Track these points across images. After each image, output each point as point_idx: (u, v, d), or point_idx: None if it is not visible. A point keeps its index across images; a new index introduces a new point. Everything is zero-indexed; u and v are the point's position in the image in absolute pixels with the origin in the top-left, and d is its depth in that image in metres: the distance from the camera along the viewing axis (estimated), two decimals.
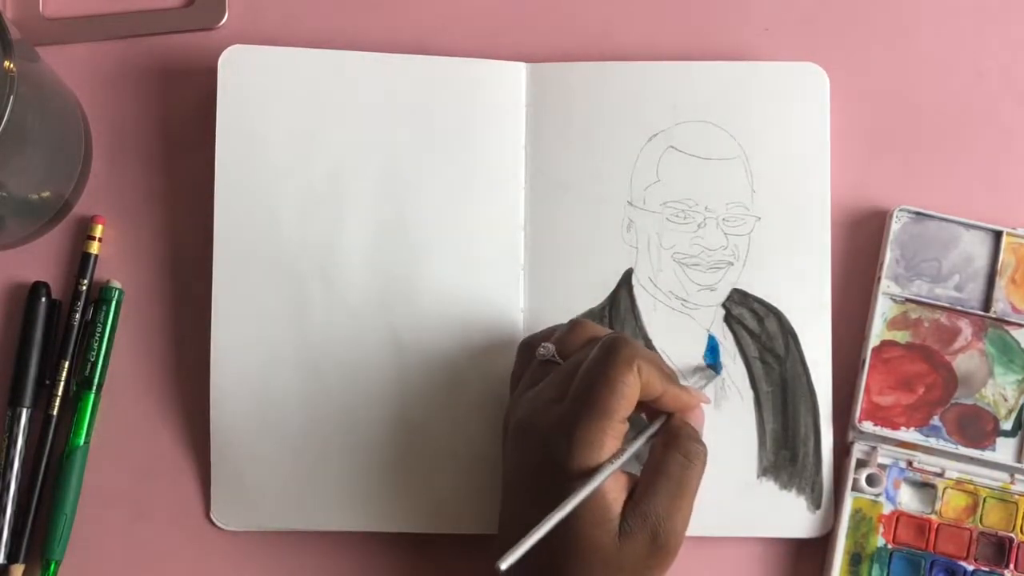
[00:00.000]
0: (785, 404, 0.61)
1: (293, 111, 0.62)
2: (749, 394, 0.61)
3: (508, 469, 0.56)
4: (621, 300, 0.62)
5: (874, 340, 0.61)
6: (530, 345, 0.58)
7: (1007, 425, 0.61)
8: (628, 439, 0.53)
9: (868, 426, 0.61)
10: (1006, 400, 0.61)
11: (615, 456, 0.51)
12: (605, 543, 0.51)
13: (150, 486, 0.62)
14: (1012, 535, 0.60)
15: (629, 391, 0.52)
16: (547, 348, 0.56)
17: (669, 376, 0.54)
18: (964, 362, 0.61)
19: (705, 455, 0.53)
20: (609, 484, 0.51)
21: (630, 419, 0.53)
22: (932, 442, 0.60)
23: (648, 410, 0.55)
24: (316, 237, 0.62)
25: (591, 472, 0.50)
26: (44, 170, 0.60)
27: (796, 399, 0.61)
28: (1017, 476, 0.60)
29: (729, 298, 0.62)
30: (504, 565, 0.47)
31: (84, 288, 0.63)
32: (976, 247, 0.62)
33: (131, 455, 0.62)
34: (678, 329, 0.62)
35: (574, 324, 0.57)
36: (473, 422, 0.61)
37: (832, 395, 0.61)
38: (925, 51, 0.65)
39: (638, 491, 0.52)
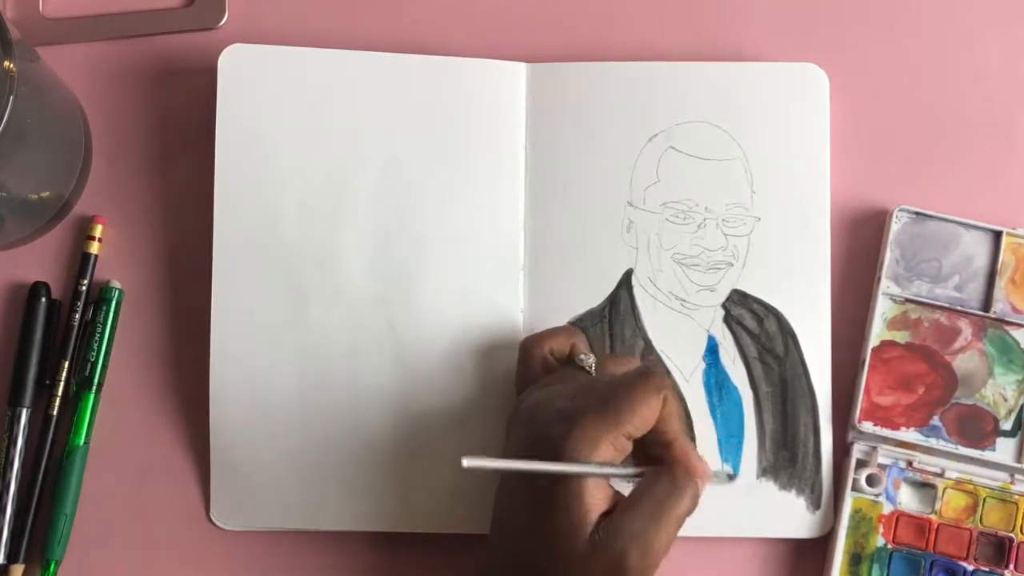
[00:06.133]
0: (785, 404, 0.61)
1: (293, 111, 0.62)
2: (749, 394, 0.61)
3: (509, 449, 0.56)
4: (621, 300, 0.62)
5: (874, 340, 0.61)
6: (530, 346, 0.58)
7: (1007, 425, 0.61)
8: (627, 463, 0.53)
9: (868, 426, 0.61)
10: (1006, 400, 0.61)
11: (607, 463, 0.51)
12: (575, 549, 0.50)
13: (150, 486, 0.62)
14: (1012, 535, 0.60)
15: (647, 411, 0.52)
16: (589, 357, 0.56)
17: (688, 429, 0.54)
18: (964, 362, 0.61)
19: (696, 495, 0.52)
20: (591, 489, 0.51)
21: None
22: (932, 442, 0.60)
23: (655, 459, 0.54)
24: (316, 237, 0.62)
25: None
26: (44, 170, 0.60)
27: (796, 399, 0.61)
28: (1017, 476, 0.60)
29: (729, 299, 0.62)
30: (466, 463, 0.47)
31: (84, 288, 0.63)
32: (976, 247, 0.62)
33: (131, 455, 0.62)
34: (678, 329, 0.62)
35: (624, 356, 0.58)
36: (473, 421, 0.61)
37: (832, 395, 0.61)
38: (925, 51, 0.65)
39: (619, 506, 0.52)
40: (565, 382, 0.55)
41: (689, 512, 0.52)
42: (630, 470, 0.53)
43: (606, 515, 0.51)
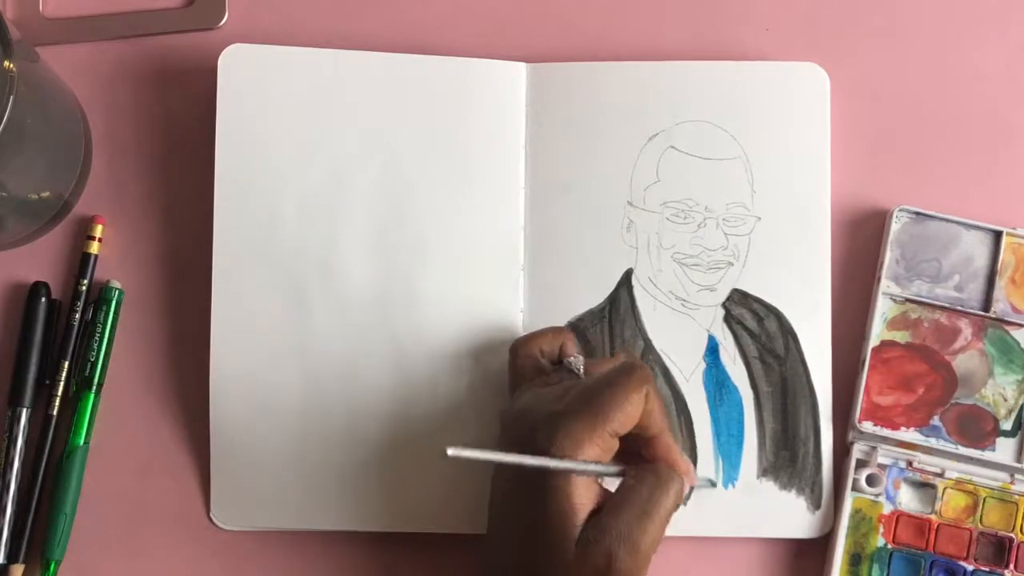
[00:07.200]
0: (785, 404, 0.61)
1: (293, 111, 0.62)
2: (749, 394, 0.61)
3: (500, 450, 0.56)
4: (621, 300, 0.62)
5: (874, 340, 0.61)
6: (520, 347, 0.58)
7: (1007, 425, 0.61)
8: (614, 461, 0.53)
9: (868, 426, 0.61)
10: (1006, 400, 0.61)
11: (591, 461, 0.51)
12: (563, 549, 0.50)
13: (150, 486, 0.62)
14: (1012, 535, 0.60)
15: (630, 408, 0.52)
16: (578, 360, 0.56)
17: (671, 425, 0.55)
18: (964, 362, 0.61)
19: (680, 488, 0.53)
20: (579, 488, 0.51)
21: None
22: (932, 442, 0.60)
23: (641, 455, 0.54)
24: (316, 237, 0.62)
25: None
26: (44, 170, 0.60)
27: (796, 399, 0.61)
28: (1017, 476, 0.60)
29: (729, 298, 0.62)
30: (451, 452, 0.47)
31: (84, 288, 0.63)
32: (976, 247, 0.62)
33: (131, 455, 0.62)
34: (678, 329, 0.62)
35: (610, 359, 0.58)
36: (472, 422, 0.61)
37: (832, 395, 0.61)
38: (925, 51, 0.65)
39: (606, 505, 0.51)
40: (554, 384, 0.55)
41: (675, 507, 0.52)
42: (613, 468, 0.52)
43: (595, 514, 0.51)
